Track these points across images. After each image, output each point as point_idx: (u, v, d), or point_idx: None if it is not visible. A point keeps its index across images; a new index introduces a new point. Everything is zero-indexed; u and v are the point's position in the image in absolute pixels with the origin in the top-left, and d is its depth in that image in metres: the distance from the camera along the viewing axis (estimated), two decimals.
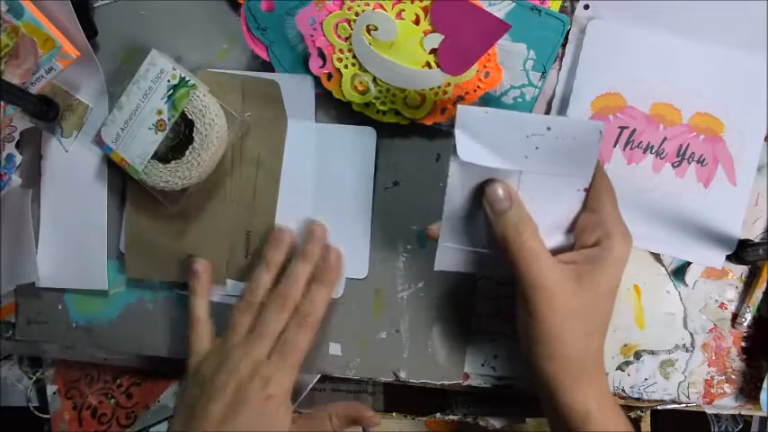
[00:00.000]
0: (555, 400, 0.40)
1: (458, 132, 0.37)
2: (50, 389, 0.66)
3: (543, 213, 0.39)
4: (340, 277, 0.50)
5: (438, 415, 0.60)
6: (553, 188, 0.39)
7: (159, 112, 0.46)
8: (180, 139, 0.47)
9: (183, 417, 0.45)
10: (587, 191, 0.39)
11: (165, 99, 0.46)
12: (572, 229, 0.41)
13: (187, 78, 0.45)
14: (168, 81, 0.46)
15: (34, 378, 0.66)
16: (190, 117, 0.46)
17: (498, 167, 0.38)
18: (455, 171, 0.38)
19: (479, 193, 0.40)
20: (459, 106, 0.37)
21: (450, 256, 0.44)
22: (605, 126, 0.47)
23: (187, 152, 0.46)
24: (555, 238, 0.41)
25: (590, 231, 0.39)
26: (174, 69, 0.46)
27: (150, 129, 0.47)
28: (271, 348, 0.46)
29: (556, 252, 0.40)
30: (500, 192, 0.38)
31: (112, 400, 0.65)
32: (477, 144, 0.38)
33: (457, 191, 0.40)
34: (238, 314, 0.48)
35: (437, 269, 0.44)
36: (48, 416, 0.66)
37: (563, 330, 0.39)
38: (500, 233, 0.39)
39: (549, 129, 0.37)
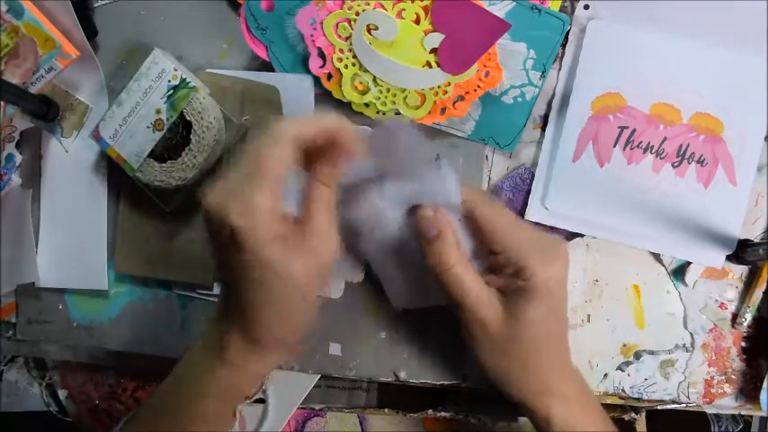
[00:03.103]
0: (518, 406, 0.42)
1: None
2: (62, 393, 0.67)
3: None
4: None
5: (430, 412, 0.60)
6: None
7: (158, 112, 0.46)
8: (177, 139, 0.47)
9: None
10: (465, 219, 0.40)
11: (165, 99, 0.46)
12: (479, 255, 0.41)
13: (188, 80, 0.45)
14: (169, 81, 0.46)
15: (44, 383, 0.66)
16: (188, 119, 0.46)
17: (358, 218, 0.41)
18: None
19: (397, 244, 0.42)
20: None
21: (402, 298, 0.47)
22: (606, 125, 0.47)
23: (183, 153, 0.46)
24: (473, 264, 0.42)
25: (505, 267, 0.39)
26: (175, 70, 0.46)
27: (148, 127, 0.47)
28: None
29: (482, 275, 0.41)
30: (428, 217, 0.39)
31: (122, 406, 0.65)
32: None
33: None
34: None
35: (398, 308, 0.47)
36: (69, 419, 0.67)
37: (500, 353, 0.40)
38: (429, 262, 0.40)
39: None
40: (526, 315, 0.38)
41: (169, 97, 0.46)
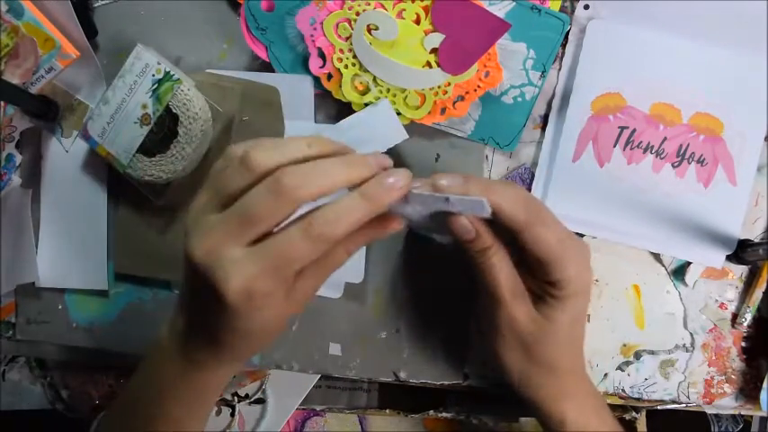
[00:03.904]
0: (531, 406, 0.41)
1: None
2: (64, 393, 0.67)
3: None
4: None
5: (431, 412, 0.60)
6: None
7: (144, 107, 0.46)
8: (165, 132, 0.47)
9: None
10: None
11: (150, 93, 0.46)
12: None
13: (171, 72, 0.45)
14: (153, 75, 0.46)
15: (46, 382, 0.66)
16: (174, 111, 0.46)
17: None
18: None
19: None
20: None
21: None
22: (606, 125, 0.47)
23: (172, 146, 0.46)
24: None
25: (540, 269, 0.38)
26: (158, 64, 0.46)
27: (135, 123, 0.46)
28: (250, 240, 0.32)
29: None
30: (464, 224, 0.37)
31: None
32: None
33: None
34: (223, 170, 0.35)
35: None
36: (75, 416, 0.67)
37: (525, 354, 0.40)
38: (468, 252, 0.39)
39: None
40: (557, 318, 0.38)
41: (154, 91, 0.46)
